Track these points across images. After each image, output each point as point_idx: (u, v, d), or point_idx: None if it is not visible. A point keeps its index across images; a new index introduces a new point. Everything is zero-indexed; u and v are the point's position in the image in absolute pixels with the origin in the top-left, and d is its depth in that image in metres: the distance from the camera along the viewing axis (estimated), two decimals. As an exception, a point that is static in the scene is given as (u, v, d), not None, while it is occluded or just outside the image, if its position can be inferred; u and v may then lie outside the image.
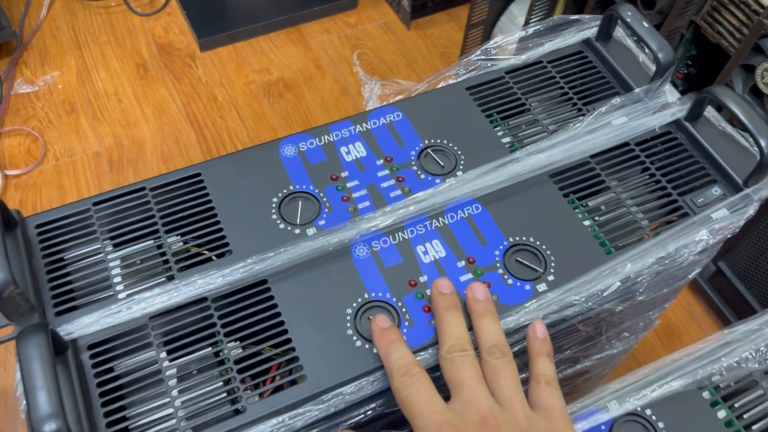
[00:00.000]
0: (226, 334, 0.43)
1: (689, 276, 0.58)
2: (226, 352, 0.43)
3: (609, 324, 0.59)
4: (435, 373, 0.42)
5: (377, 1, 1.42)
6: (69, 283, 0.45)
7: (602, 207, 0.51)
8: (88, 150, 1.15)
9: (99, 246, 0.47)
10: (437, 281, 0.45)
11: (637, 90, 0.55)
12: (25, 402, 0.40)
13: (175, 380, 0.42)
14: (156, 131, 1.17)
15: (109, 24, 1.32)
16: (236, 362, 0.42)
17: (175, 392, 0.41)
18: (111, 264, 0.46)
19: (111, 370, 0.42)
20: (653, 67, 0.56)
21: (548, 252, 0.48)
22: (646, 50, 0.57)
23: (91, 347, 0.42)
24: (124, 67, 1.26)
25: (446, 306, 0.43)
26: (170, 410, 0.40)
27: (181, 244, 0.48)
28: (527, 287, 0.46)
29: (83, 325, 0.42)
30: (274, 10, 1.35)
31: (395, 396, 0.40)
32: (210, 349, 0.43)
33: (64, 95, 1.21)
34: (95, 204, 0.48)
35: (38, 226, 0.47)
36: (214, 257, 0.47)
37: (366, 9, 1.40)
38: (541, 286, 0.46)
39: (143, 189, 0.49)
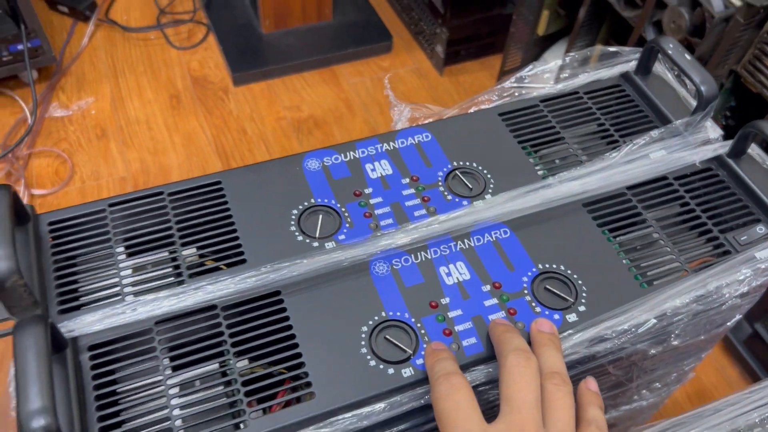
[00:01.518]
0: (234, 344, 0.41)
1: (728, 324, 0.55)
2: (232, 362, 0.40)
3: (641, 370, 0.55)
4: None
5: (411, 47, 1.43)
6: (76, 282, 0.43)
7: (638, 240, 0.49)
8: (115, 174, 1.15)
9: (111, 248, 0.45)
10: (496, 319, 0.42)
11: (676, 123, 0.53)
12: (16, 398, 0.37)
13: (176, 388, 0.40)
14: (183, 160, 1.17)
15: (146, 55, 1.35)
16: (242, 374, 0.40)
17: (175, 400, 0.39)
18: (121, 266, 0.44)
19: (110, 373, 0.40)
20: (694, 103, 0.54)
21: (580, 282, 0.45)
22: (688, 84, 0.55)
23: (91, 348, 0.40)
24: (158, 96, 1.28)
25: (506, 330, 0.41)
26: (168, 418, 0.38)
27: (195, 250, 0.46)
28: (556, 316, 0.43)
29: (85, 324, 0.40)
30: (309, 50, 1.37)
31: (433, 407, 0.37)
32: (216, 359, 0.41)
33: (97, 121, 1.23)
34: (111, 205, 0.47)
35: (51, 224, 0.46)
36: (223, 267, 0.45)
37: (400, 54, 1.41)
38: (571, 317, 0.43)
39: (161, 193, 0.48)
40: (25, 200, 1.09)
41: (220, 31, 1.39)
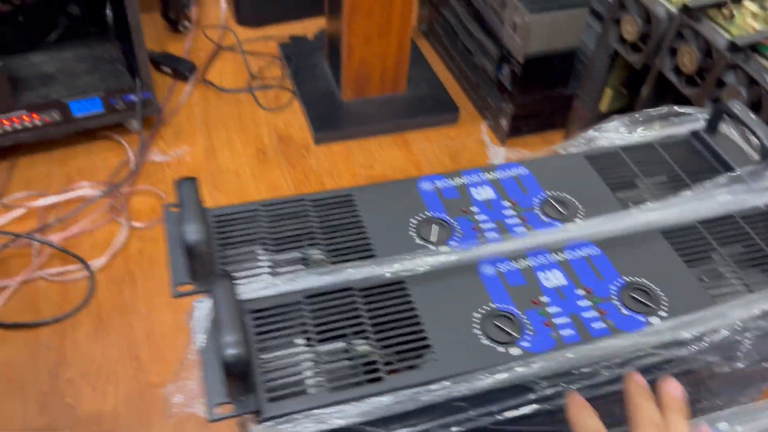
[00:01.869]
0: (370, 318, 0.49)
1: (789, 354, 0.61)
2: (369, 331, 0.48)
3: (707, 391, 0.61)
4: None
5: (476, 119, 1.55)
6: (236, 260, 0.52)
7: (709, 264, 0.56)
8: (206, 215, 1.26)
9: (263, 237, 0.54)
10: (634, 374, 0.46)
11: (741, 171, 0.60)
12: (199, 342, 0.46)
13: (323, 346, 0.47)
14: (267, 206, 1.28)
15: (237, 114, 1.49)
16: (379, 340, 0.47)
17: (323, 357, 0.46)
18: (272, 251, 0.53)
19: (269, 332, 0.48)
20: (758, 158, 0.62)
21: (660, 293, 0.52)
22: (753, 141, 0.64)
23: (254, 312, 0.49)
24: (246, 150, 1.40)
25: (642, 395, 0.45)
26: (315, 375, 0.46)
27: (327, 247, 0.55)
28: (641, 319, 0.50)
29: (251, 290, 0.49)
30: (384, 117, 1.50)
31: None
32: (354, 327, 0.49)
33: (191, 167, 1.35)
34: (263, 206, 0.57)
35: (215, 216, 0.55)
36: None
37: (466, 125, 1.53)
38: (654, 319, 0.50)
39: (302, 200, 0.57)
40: (125, 231, 1.20)
41: (304, 96, 1.53)
